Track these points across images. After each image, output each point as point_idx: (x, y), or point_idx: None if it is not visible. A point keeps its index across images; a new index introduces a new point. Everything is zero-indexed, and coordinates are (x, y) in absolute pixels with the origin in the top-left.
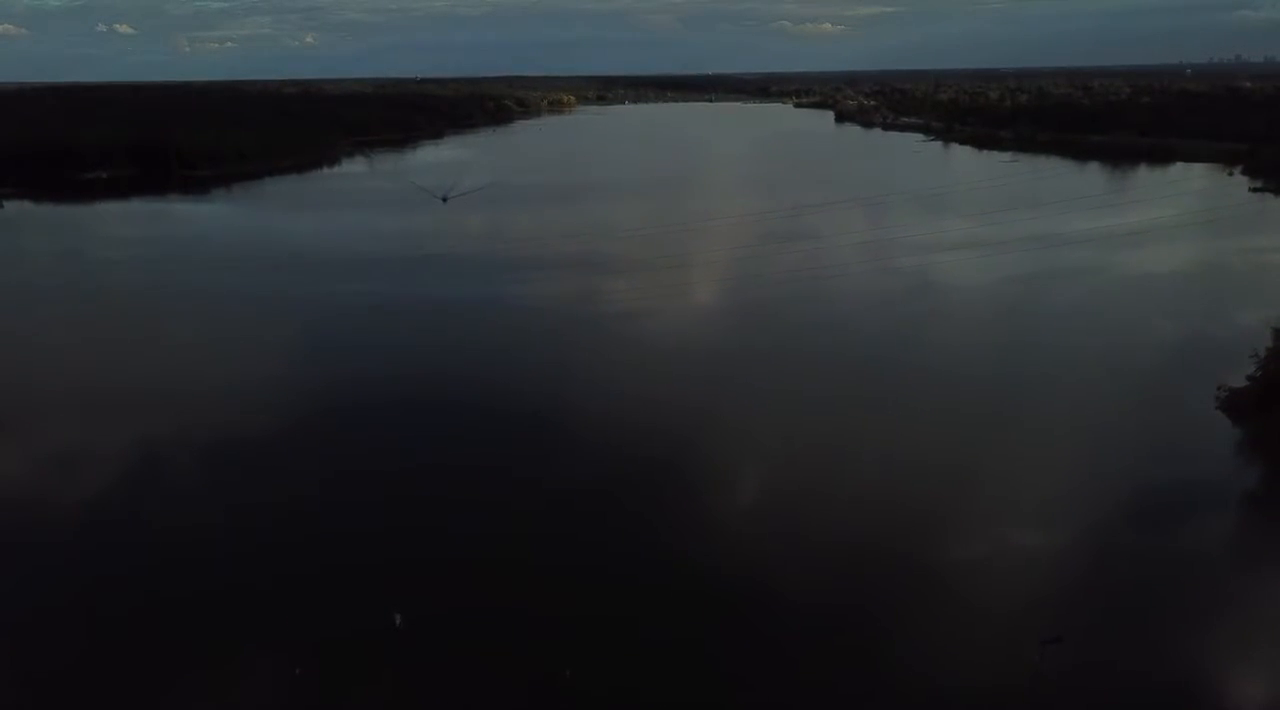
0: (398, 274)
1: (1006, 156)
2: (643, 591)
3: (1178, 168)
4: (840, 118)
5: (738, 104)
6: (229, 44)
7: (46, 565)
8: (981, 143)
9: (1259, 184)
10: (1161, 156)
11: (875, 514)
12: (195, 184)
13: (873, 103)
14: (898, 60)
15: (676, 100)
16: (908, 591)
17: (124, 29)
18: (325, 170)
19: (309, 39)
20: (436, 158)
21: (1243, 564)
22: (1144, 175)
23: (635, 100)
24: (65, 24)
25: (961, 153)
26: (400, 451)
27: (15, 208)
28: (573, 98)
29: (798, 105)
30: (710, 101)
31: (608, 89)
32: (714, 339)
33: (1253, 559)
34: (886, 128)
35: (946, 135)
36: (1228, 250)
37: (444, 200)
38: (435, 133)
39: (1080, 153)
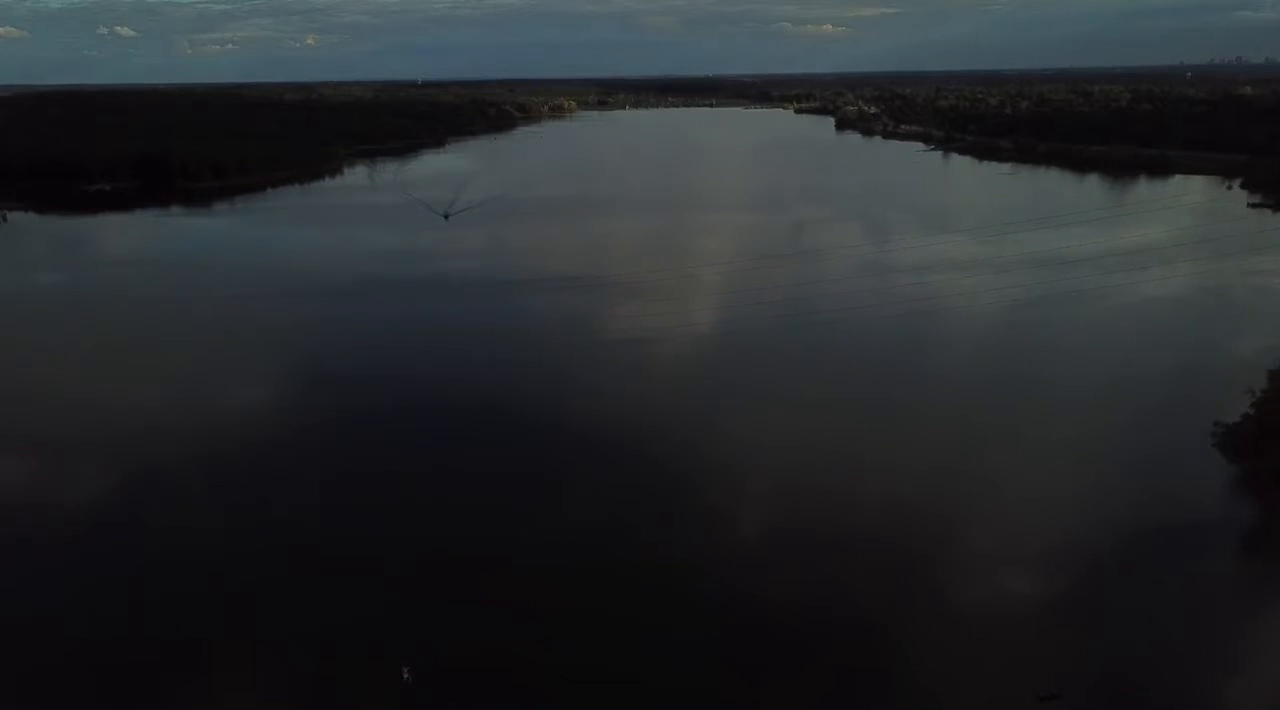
0: (403, 300)
1: (1006, 168)
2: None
3: (1177, 181)
4: (841, 125)
5: (738, 110)
6: (230, 46)
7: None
8: (981, 153)
9: (1257, 199)
10: (1161, 169)
11: (867, 554)
12: (198, 196)
13: (873, 109)
14: (898, 62)
15: (677, 105)
16: (898, 637)
17: (125, 31)
18: (327, 181)
19: (310, 40)
20: (438, 168)
21: (1235, 610)
22: (1142, 189)
23: (636, 105)
24: (66, 27)
25: (961, 163)
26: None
27: (23, 220)
28: (574, 103)
29: (798, 111)
30: (711, 107)
31: (609, 94)
32: (724, 364)
33: (1245, 604)
34: (887, 136)
35: (946, 144)
36: (1225, 273)
37: (446, 217)
38: (437, 141)
39: (1079, 164)
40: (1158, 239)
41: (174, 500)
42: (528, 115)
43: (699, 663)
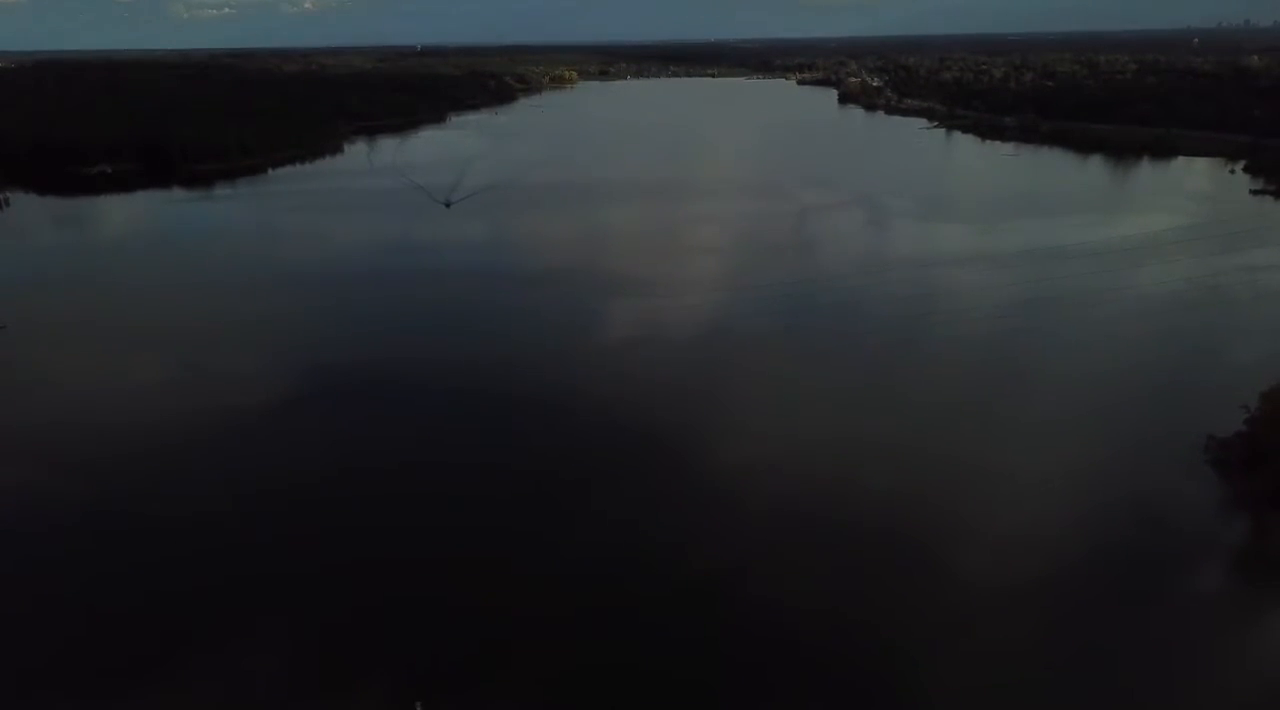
0: (402, 293)
1: (1009, 148)
2: None
3: (1179, 164)
4: (844, 98)
5: (740, 80)
6: (227, 10)
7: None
8: (984, 132)
9: (1259, 185)
10: (1164, 150)
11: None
12: (199, 179)
13: (876, 82)
14: (902, 26)
15: (679, 74)
16: (879, 658)
17: None
18: (328, 160)
19: (308, 5)
20: (439, 148)
21: (1224, 631)
22: (1144, 174)
23: (638, 74)
24: None
25: (964, 143)
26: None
27: (24, 202)
28: (574, 73)
29: (800, 82)
30: (713, 77)
31: (610, 63)
32: (726, 354)
33: (1235, 625)
34: (889, 111)
35: (949, 122)
36: (1222, 268)
37: (447, 205)
38: (438, 116)
39: (1082, 145)
40: (1156, 229)
41: (170, 492)
42: (528, 87)
43: (704, 666)
